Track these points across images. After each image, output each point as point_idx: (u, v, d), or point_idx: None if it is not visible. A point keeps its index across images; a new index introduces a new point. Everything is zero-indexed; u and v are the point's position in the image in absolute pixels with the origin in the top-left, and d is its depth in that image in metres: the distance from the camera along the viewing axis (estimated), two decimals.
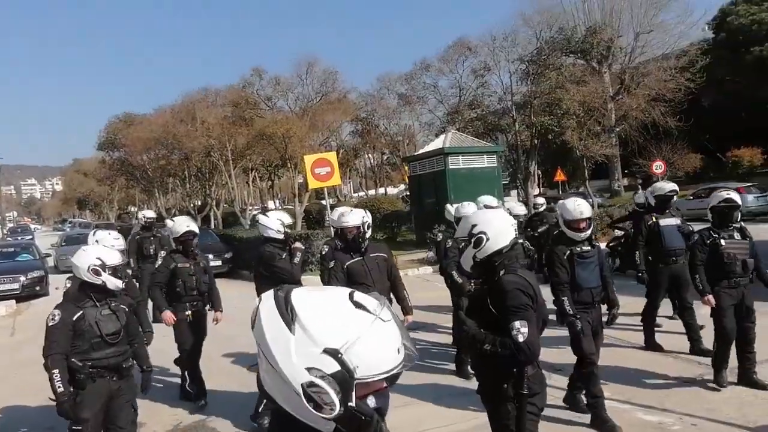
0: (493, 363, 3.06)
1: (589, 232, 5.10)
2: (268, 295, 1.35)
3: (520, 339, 2.91)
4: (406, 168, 28.00)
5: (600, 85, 29.84)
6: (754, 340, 5.59)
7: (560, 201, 5.74)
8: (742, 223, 5.83)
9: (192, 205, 37.90)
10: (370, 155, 52.75)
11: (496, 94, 31.75)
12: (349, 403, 1.28)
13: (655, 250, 7.07)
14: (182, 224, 6.37)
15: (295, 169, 28.72)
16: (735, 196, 5.76)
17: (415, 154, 25.76)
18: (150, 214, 12.14)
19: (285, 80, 39.71)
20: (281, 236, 5.88)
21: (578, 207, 5.12)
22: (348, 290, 1.36)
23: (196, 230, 6.37)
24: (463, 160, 20.72)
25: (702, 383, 5.74)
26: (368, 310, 1.31)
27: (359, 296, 1.35)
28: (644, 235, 7.13)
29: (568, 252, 5.07)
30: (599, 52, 31.00)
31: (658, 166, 27.70)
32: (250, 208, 38.82)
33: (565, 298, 4.96)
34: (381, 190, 52.24)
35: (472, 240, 3.22)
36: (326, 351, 1.25)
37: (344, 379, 1.26)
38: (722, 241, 5.60)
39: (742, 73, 32.41)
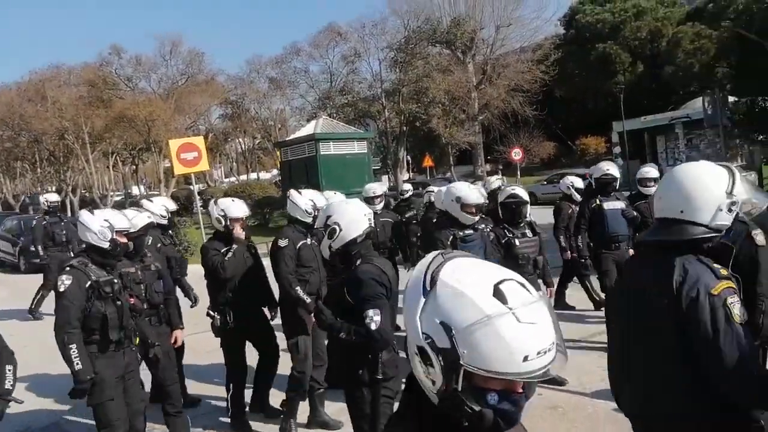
0: (349, 350, 3.15)
1: (478, 217, 5.21)
2: (433, 254, 1.35)
3: (373, 327, 2.99)
4: (278, 153, 27.77)
5: (464, 74, 31.31)
6: None
7: (449, 186, 5.77)
8: (532, 218, 5.83)
9: (45, 191, 35.01)
10: (241, 140, 51.51)
11: (366, 81, 32.31)
12: (454, 386, 1.22)
13: (598, 236, 6.65)
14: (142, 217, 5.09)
15: (160, 153, 27.48)
16: (521, 192, 5.67)
17: (287, 139, 25.60)
18: (53, 197, 11.14)
19: (147, 60, 37.66)
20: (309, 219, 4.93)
21: (475, 190, 5.28)
22: (505, 275, 1.27)
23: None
24: (335, 146, 20.91)
25: None
26: (505, 302, 1.21)
27: (508, 286, 1.24)
28: (587, 219, 6.73)
29: (452, 236, 5.09)
30: (463, 42, 32.43)
31: (516, 153, 29.61)
32: (112, 194, 36.59)
33: None
34: (253, 176, 51.27)
35: (327, 230, 3.28)
36: (442, 324, 1.22)
37: (452, 359, 1.20)
38: (516, 241, 5.49)
39: (589, 67, 35.34)
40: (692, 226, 2.24)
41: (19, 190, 41.56)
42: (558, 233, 7.89)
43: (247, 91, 40.63)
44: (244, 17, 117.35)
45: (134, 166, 41.39)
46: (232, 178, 53.03)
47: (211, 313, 5.02)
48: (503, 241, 5.47)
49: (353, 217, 3.30)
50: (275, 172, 46.31)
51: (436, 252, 1.35)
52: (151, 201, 6.05)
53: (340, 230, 3.24)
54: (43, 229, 10.20)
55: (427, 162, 34.93)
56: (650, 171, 7.46)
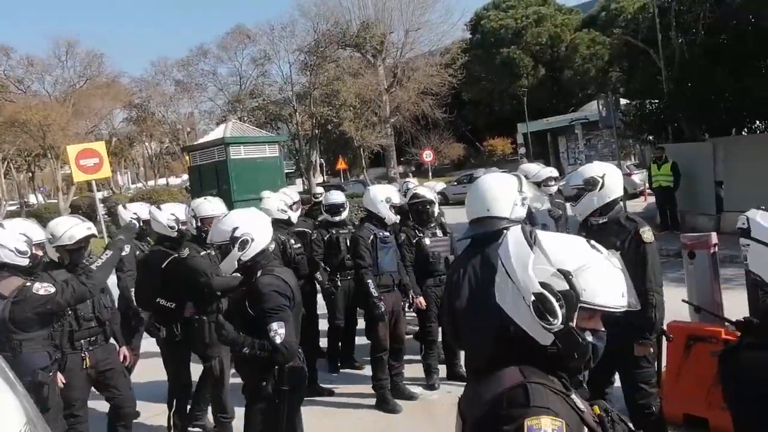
0: (253, 363, 3.11)
1: (398, 216, 5.43)
2: (516, 227, 1.61)
3: (278, 340, 2.96)
4: (187, 158, 26.94)
5: (375, 78, 31.60)
6: None
7: (368, 187, 5.90)
8: (443, 219, 6.03)
9: None
10: (147, 144, 49.55)
11: (276, 84, 32.02)
12: (570, 323, 1.45)
13: None
14: (81, 228, 4.06)
15: (57, 159, 26.02)
16: (425, 192, 5.81)
17: (195, 143, 24.89)
18: None
19: (40, 61, 35.54)
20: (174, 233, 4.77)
21: (397, 193, 5.49)
22: (585, 239, 1.59)
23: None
24: (245, 150, 20.53)
25: None
26: (600, 251, 1.53)
27: (593, 243, 1.56)
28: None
29: (372, 236, 5.30)
30: (373, 46, 32.74)
31: (427, 155, 30.22)
32: (5, 203, 34.21)
33: (370, 281, 5.19)
34: (162, 181, 49.43)
35: (237, 243, 3.14)
36: (560, 271, 1.46)
37: (570, 298, 1.45)
38: (426, 240, 5.65)
39: (495, 70, 36.63)
40: (498, 219, 2.88)
41: None
42: None
43: (153, 94, 39.20)
44: (145, 18, 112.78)
45: (30, 174, 38.90)
46: (139, 184, 50.92)
47: (157, 325, 4.74)
48: (414, 241, 5.67)
49: (264, 228, 3.26)
50: (185, 177, 44.92)
51: (515, 228, 1.62)
52: (160, 209, 5.06)
53: (253, 241, 3.15)
54: None
55: (341, 165, 34.99)
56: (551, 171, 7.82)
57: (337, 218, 6.22)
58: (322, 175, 39.33)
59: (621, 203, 3.69)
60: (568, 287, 1.45)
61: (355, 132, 28.42)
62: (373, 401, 5.40)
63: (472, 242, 3.01)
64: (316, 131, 28.77)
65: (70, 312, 3.91)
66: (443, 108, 33.65)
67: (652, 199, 15.91)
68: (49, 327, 3.77)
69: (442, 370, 5.86)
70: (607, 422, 1.54)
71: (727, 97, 12.45)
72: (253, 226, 3.18)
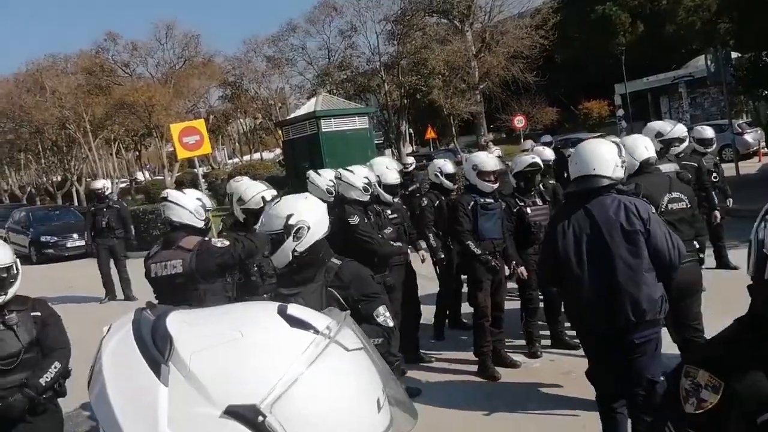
0: None
1: (497, 184, 5.34)
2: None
3: (391, 323, 2.83)
4: (280, 132, 27.70)
5: (463, 44, 30.95)
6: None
7: (469, 155, 6.07)
8: (541, 186, 5.92)
9: (50, 181, 35.15)
10: (242, 120, 51.33)
11: (364, 55, 32.07)
12: (764, 276, 1.19)
13: None
14: (268, 193, 4.60)
15: (162, 138, 27.50)
16: (538, 159, 5.79)
17: (287, 118, 25.50)
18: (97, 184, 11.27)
19: (143, 45, 37.39)
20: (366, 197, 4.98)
21: (491, 158, 5.38)
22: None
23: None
24: (336, 122, 20.78)
25: None
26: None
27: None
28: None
29: (472, 203, 5.25)
30: (460, 11, 32.00)
31: (519, 121, 29.41)
32: (117, 181, 36.69)
33: (470, 242, 5.15)
34: (256, 156, 51.18)
35: (292, 231, 2.77)
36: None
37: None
38: (528, 209, 5.58)
39: (589, 30, 34.89)
40: (601, 178, 3.38)
41: (24, 181, 41.73)
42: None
43: (245, 71, 40.34)
44: None
45: (137, 152, 41.41)
46: (236, 159, 53.00)
47: None
48: (515, 210, 5.60)
49: (321, 215, 2.91)
50: (278, 151, 46.25)
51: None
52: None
53: (309, 229, 2.79)
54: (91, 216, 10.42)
55: (430, 134, 34.74)
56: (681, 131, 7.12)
57: (452, 185, 6.45)
58: (412, 145, 39.27)
59: None
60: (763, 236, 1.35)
61: (444, 100, 28.07)
62: (475, 368, 5.41)
63: (570, 197, 3.51)
64: (405, 101, 28.67)
65: (255, 268, 4.25)
66: (534, 71, 32.49)
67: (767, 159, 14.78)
68: (223, 278, 4.10)
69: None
70: None
71: None
72: (309, 213, 2.84)
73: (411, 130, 38.80)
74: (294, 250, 2.79)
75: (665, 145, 6.00)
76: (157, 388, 0.70)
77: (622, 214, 3.28)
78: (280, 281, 2.99)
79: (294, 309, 0.81)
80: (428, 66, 26.55)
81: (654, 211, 3.44)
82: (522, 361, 5.54)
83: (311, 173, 5.43)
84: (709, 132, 7.35)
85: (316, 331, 0.76)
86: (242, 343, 0.73)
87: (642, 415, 3.38)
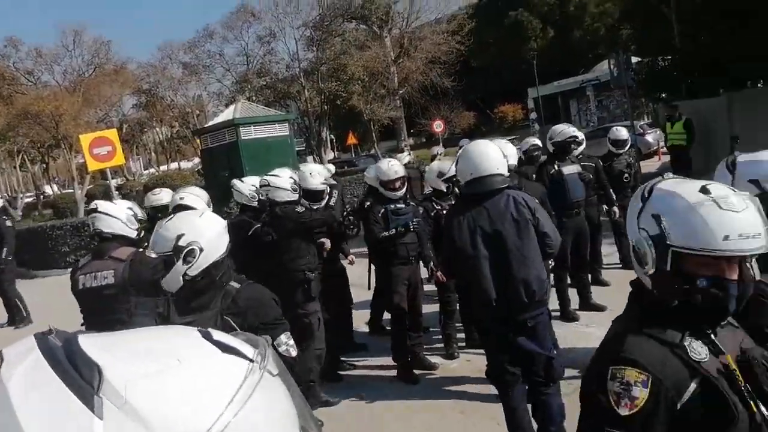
0: None
1: (403, 190, 5.37)
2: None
3: (293, 353, 2.62)
4: (198, 141, 27.00)
5: (382, 49, 31.23)
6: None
7: (377, 163, 5.85)
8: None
9: None
10: (158, 129, 49.69)
11: (283, 62, 31.82)
12: (663, 266, 1.36)
13: (558, 202, 6.08)
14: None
15: (71, 149, 26.21)
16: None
17: (206, 126, 24.92)
18: None
19: (48, 52, 35.58)
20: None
21: (392, 167, 5.39)
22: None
23: None
24: (255, 130, 20.48)
25: None
26: (708, 194, 1.31)
27: (715, 186, 1.33)
28: (547, 186, 6.12)
29: (383, 210, 5.28)
30: (378, 17, 32.30)
31: (437, 125, 29.95)
32: (21, 195, 34.65)
33: (384, 234, 5.19)
34: (174, 165, 49.68)
35: (182, 253, 2.49)
36: (653, 216, 1.32)
37: (660, 241, 1.35)
38: (445, 212, 5.38)
39: (503, 35, 36.09)
40: (499, 176, 3.65)
41: None
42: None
43: (161, 79, 39.15)
44: (150, 1, 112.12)
45: (44, 165, 39.28)
46: (152, 170, 51.21)
47: None
48: (432, 214, 5.63)
49: (217, 234, 2.61)
50: (197, 160, 45.05)
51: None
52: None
53: (202, 251, 2.50)
54: None
55: (351, 140, 34.81)
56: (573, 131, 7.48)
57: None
58: (333, 151, 39.25)
59: None
60: (658, 231, 1.44)
61: (364, 106, 28.23)
62: (394, 372, 5.48)
63: (465, 197, 3.70)
64: (325, 107, 28.62)
65: None
66: (452, 77, 33.21)
67: (666, 158, 15.72)
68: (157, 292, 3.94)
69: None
70: (758, 368, 1.43)
71: (742, 49, 12.18)
72: (203, 232, 2.55)
73: (332, 136, 38.79)
74: (185, 274, 2.50)
75: (559, 147, 6.42)
76: (91, 422, 0.62)
77: (512, 206, 3.60)
78: (176, 307, 2.65)
79: (217, 334, 0.78)
80: (348, 72, 26.64)
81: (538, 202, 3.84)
82: (440, 363, 5.66)
83: (235, 181, 5.43)
84: (623, 133, 7.62)
85: (248, 358, 0.74)
86: (181, 371, 0.68)
87: (544, 389, 3.67)
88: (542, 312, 3.72)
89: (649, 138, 20.68)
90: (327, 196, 5.30)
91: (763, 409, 1.40)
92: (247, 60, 34.65)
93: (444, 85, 33.31)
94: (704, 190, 1.43)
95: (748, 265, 1.43)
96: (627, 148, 7.70)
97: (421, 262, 5.63)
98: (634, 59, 17.40)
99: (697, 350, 1.43)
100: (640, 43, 18.98)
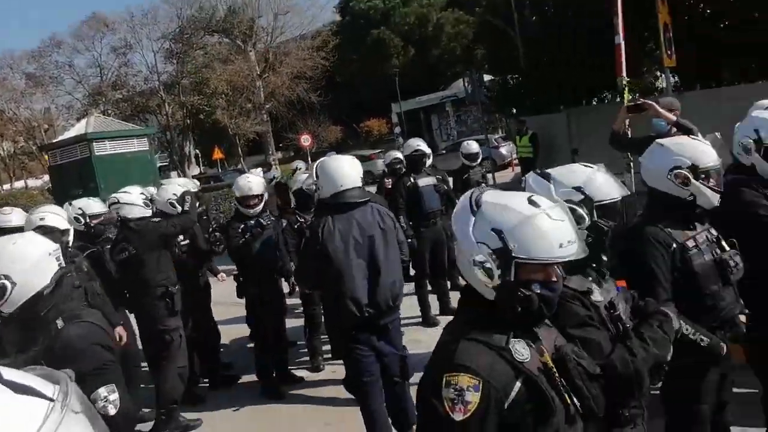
0: None
1: (260, 207, 5.33)
2: (466, 195, 1.68)
3: (112, 411, 2.18)
4: (46, 157, 24.99)
5: (247, 63, 30.82)
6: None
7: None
8: None
9: None
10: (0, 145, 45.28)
11: (141, 74, 30.33)
12: (507, 278, 1.54)
13: (415, 213, 6.45)
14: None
15: None
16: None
17: (54, 141, 23.15)
18: None
19: None
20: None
21: (247, 184, 5.34)
22: (529, 194, 1.65)
23: None
24: (111, 145, 19.41)
25: None
26: (538, 206, 1.59)
27: (537, 197, 1.63)
28: (404, 198, 6.45)
29: (242, 226, 5.23)
30: (242, 31, 31.87)
31: (305, 139, 30.01)
32: None
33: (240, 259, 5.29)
34: (19, 183, 45.48)
35: None
36: (494, 230, 1.55)
37: (504, 254, 1.53)
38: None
39: (366, 52, 36.99)
40: (360, 190, 3.84)
41: None
42: None
43: (1, 91, 35.78)
44: None
45: None
46: None
47: None
48: (296, 226, 5.63)
49: (33, 263, 2.25)
50: (46, 178, 41.56)
51: (472, 190, 1.69)
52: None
53: (14, 286, 2.18)
54: None
55: (217, 155, 33.92)
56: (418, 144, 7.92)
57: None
58: (199, 167, 38.01)
59: None
60: (501, 245, 1.54)
61: (229, 120, 27.67)
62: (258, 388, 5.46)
63: (332, 207, 3.73)
64: (188, 121, 27.68)
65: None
66: (318, 91, 33.48)
67: (519, 169, 16.92)
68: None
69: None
70: (570, 363, 1.59)
71: (575, 70, 13.41)
72: (16, 265, 2.21)
73: (197, 151, 37.56)
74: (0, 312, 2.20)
75: (410, 161, 6.75)
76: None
77: (378, 217, 3.83)
78: None
79: (10, 373, 0.76)
80: (211, 86, 25.99)
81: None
82: (306, 376, 5.71)
83: (117, 196, 5.08)
84: (474, 147, 8.02)
85: (47, 398, 0.72)
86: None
87: (399, 389, 3.91)
88: (397, 315, 3.99)
89: (503, 150, 22.14)
90: (183, 204, 5.16)
91: (576, 401, 1.58)
92: (101, 72, 32.66)
93: (310, 99, 33.48)
94: (532, 203, 1.59)
95: (556, 267, 1.64)
96: (480, 160, 8.12)
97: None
98: (487, 77, 18.59)
99: (521, 351, 1.55)
100: (492, 62, 20.26)
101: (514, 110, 17.72)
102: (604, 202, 2.19)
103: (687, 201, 2.59)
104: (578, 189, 2.22)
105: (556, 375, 1.56)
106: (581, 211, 2.05)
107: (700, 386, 2.60)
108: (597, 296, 2.12)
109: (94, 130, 19.47)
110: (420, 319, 6.60)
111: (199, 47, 27.33)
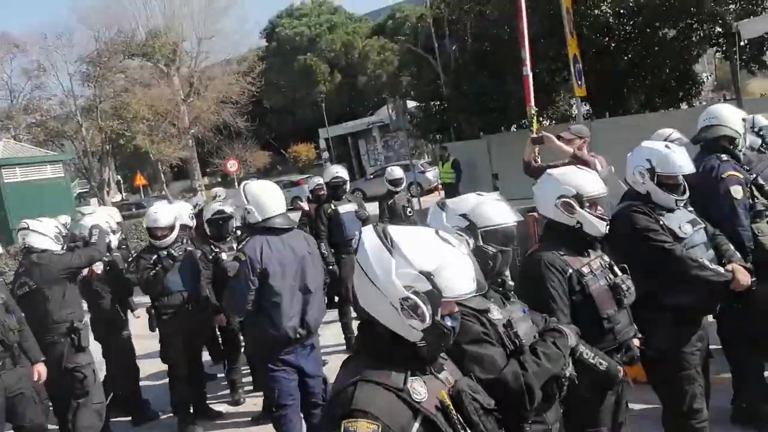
0: None
1: (170, 238, 5.15)
2: (369, 228, 1.66)
3: None
4: None
5: (170, 88, 30.13)
6: None
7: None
8: (239, 232, 5.80)
9: None
10: None
11: (56, 98, 29.03)
12: (436, 318, 1.55)
13: (336, 240, 6.52)
14: None
15: None
16: (227, 208, 5.84)
17: None
18: None
19: None
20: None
21: (153, 215, 5.19)
22: (433, 229, 1.70)
23: None
24: (22, 171, 18.54)
25: None
26: (451, 244, 1.63)
27: (441, 233, 1.67)
28: (326, 225, 6.51)
29: (155, 256, 5.08)
30: (164, 55, 31.18)
31: (232, 165, 29.55)
32: None
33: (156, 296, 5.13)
34: None
35: None
36: (422, 273, 1.54)
37: (434, 296, 1.54)
38: (224, 255, 5.49)
39: (293, 77, 37.02)
40: (286, 216, 3.97)
41: None
42: None
43: None
44: None
45: None
46: None
47: None
48: (210, 257, 5.54)
49: None
50: None
51: (367, 228, 1.67)
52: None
53: None
54: None
55: (140, 181, 32.89)
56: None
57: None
58: (120, 193, 36.71)
59: None
60: (431, 287, 1.53)
61: (151, 145, 26.87)
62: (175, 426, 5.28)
63: (266, 231, 3.81)
64: (107, 147, 26.70)
65: None
66: (245, 116, 33.11)
67: (444, 194, 17.30)
68: None
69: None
70: (466, 399, 1.59)
71: (493, 98, 13.95)
72: None
73: (119, 177, 36.29)
74: None
75: (330, 188, 6.81)
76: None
77: (306, 242, 4.05)
78: None
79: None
80: (131, 110, 25.20)
81: None
82: (225, 411, 5.58)
83: (29, 222, 4.78)
84: (398, 172, 8.11)
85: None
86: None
87: (319, 411, 3.89)
88: (317, 336, 4.17)
89: (429, 175, 22.56)
90: (90, 236, 4.96)
91: None
92: (11, 95, 31.06)
93: (237, 124, 33.04)
94: (444, 240, 1.63)
95: None
96: (404, 185, 8.24)
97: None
98: (412, 104, 19.01)
99: (418, 391, 1.55)
100: (416, 89, 20.77)
101: (439, 136, 18.16)
102: (489, 227, 2.29)
103: (574, 228, 2.73)
104: (464, 216, 2.32)
105: (453, 413, 1.56)
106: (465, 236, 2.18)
107: (598, 412, 2.71)
108: (495, 315, 2.20)
109: (3, 156, 18.55)
110: (345, 347, 6.58)
111: (119, 71, 26.49)
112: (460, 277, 1.58)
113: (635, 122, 11.52)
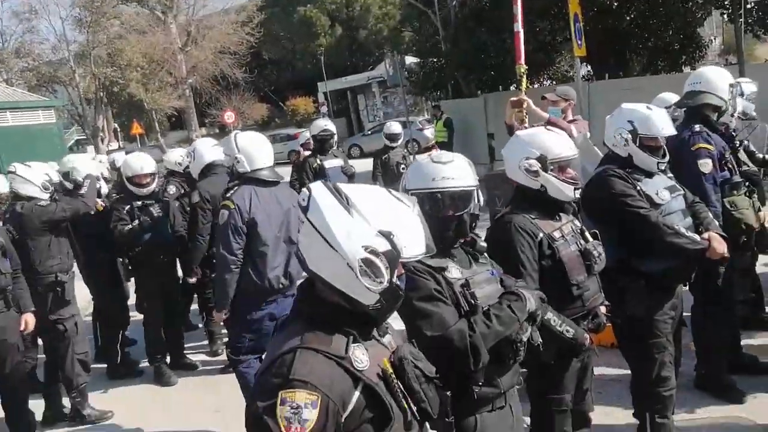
0: None
1: (152, 187, 5.10)
2: (319, 184, 1.56)
3: None
4: None
5: (167, 36, 29.54)
6: None
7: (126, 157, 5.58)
8: None
9: None
10: None
11: (49, 42, 28.50)
12: (393, 279, 1.48)
13: None
14: None
15: None
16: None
17: None
18: None
19: None
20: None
21: (140, 161, 5.09)
22: (384, 188, 1.61)
23: None
24: (13, 116, 18.37)
25: None
26: (406, 203, 1.57)
27: (393, 192, 1.60)
28: (310, 179, 6.19)
29: (128, 207, 4.99)
30: (161, 2, 30.49)
31: (229, 116, 29.19)
32: None
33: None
34: None
35: None
36: (381, 232, 1.46)
37: (393, 257, 1.47)
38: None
39: (292, 29, 36.28)
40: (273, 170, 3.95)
41: None
42: None
43: None
44: None
45: None
46: None
47: None
48: (187, 209, 5.36)
49: None
50: None
51: (315, 184, 1.58)
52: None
53: None
54: None
55: (137, 129, 32.48)
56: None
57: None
58: (117, 141, 36.43)
59: None
60: (390, 247, 1.46)
61: (145, 94, 26.48)
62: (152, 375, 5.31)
63: (255, 182, 3.81)
64: (101, 94, 26.33)
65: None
66: (243, 68, 32.61)
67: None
68: None
69: None
70: (407, 366, 1.53)
71: (491, 56, 13.65)
72: None
73: (116, 125, 35.94)
74: None
75: (317, 141, 6.65)
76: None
77: (292, 196, 3.98)
78: None
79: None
80: (125, 57, 24.75)
81: None
82: (201, 361, 5.59)
83: (17, 166, 4.63)
84: (395, 127, 8.06)
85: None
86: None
87: None
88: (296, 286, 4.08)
89: (428, 133, 22.22)
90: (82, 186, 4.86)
91: (413, 406, 1.53)
92: (2, 38, 30.49)
93: (235, 75, 32.55)
94: (399, 199, 1.58)
95: None
96: (401, 141, 8.16)
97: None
98: (413, 60, 18.65)
99: (360, 358, 1.49)
100: (417, 44, 20.35)
101: (438, 93, 17.88)
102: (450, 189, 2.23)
103: (539, 192, 2.64)
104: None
105: (395, 381, 1.51)
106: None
107: (562, 378, 2.66)
108: (454, 274, 2.15)
109: None
110: None
111: (113, 16, 25.88)
112: (417, 237, 1.53)
113: (636, 85, 11.28)
